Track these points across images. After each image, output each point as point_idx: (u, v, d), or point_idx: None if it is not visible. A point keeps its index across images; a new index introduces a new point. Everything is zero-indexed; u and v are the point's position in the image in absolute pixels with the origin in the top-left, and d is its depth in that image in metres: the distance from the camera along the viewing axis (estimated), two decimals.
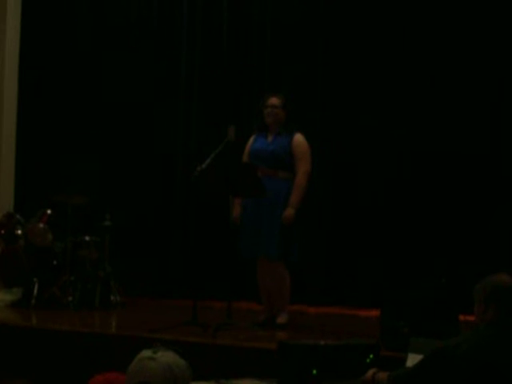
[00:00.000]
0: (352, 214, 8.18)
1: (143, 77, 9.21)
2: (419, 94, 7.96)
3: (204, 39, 8.98)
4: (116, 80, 9.31)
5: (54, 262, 8.08)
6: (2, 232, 8.33)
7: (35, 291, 7.83)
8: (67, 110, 9.52)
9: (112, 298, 7.88)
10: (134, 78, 9.24)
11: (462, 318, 5.38)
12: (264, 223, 6.43)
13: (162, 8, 9.23)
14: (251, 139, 6.75)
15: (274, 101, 6.60)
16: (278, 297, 6.56)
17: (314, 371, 4.57)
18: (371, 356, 4.75)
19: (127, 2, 9.43)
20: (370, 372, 4.15)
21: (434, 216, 7.81)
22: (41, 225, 8.10)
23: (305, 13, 8.46)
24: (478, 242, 7.64)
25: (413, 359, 4.30)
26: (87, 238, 8.07)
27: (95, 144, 9.36)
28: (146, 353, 2.63)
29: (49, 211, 8.19)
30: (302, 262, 6.89)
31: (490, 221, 7.65)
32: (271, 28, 8.64)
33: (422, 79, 7.97)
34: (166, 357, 2.62)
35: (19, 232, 8.23)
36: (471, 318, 3.98)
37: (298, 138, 6.54)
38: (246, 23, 8.80)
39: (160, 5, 9.25)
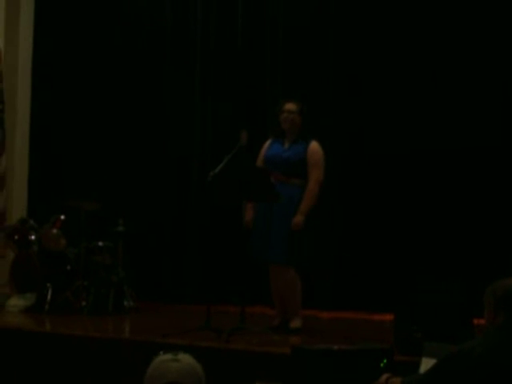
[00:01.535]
0: (364, 217, 8.17)
1: (158, 81, 9.24)
2: (430, 96, 7.95)
3: (218, 43, 8.99)
4: (130, 85, 9.33)
5: (68, 268, 8.11)
6: (16, 237, 8.35)
7: (49, 296, 7.85)
8: (80, 116, 9.55)
9: (125, 303, 7.89)
10: (148, 83, 9.27)
11: (476, 321, 5.36)
12: (275, 228, 6.43)
13: (176, 12, 9.25)
14: (266, 144, 6.74)
15: (290, 106, 6.59)
16: (290, 301, 6.56)
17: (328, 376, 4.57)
18: (385, 361, 4.74)
19: (141, 6, 9.46)
20: (384, 377, 4.13)
21: (448, 218, 7.79)
22: (54, 230, 8.13)
23: (317, 17, 8.47)
24: (492, 245, 7.61)
25: (427, 364, 4.29)
26: (100, 244, 8.09)
27: (109, 149, 9.38)
28: (166, 356, 2.65)
29: (62, 217, 8.22)
30: (315, 267, 6.88)
31: (504, 223, 7.63)
32: (284, 33, 8.65)
33: (433, 81, 7.95)
34: (187, 358, 2.65)
35: (33, 237, 8.26)
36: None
37: (314, 146, 6.54)
38: (259, 28, 8.81)
39: (174, 9, 9.26)
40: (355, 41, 8.30)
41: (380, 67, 8.16)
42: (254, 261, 6.61)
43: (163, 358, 2.66)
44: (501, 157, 7.67)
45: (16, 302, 8.06)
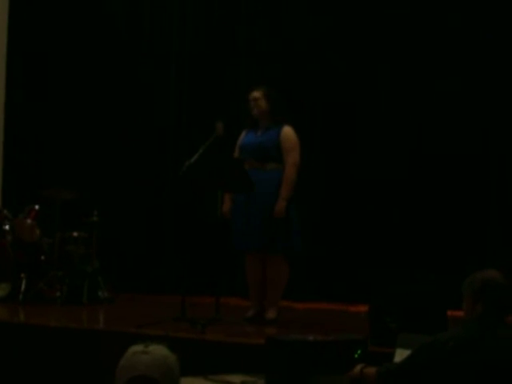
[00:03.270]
0: (341, 208, 8.20)
1: (134, 73, 9.21)
2: (412, 86, 8.01)
3: (194, 36, 8.98)
4: (106, 75, 9.30)
5: (42, 258, 8.07)
6: None
7: (23, 287, 7.80)
8: (55, 105, 9.50)
9: (100, 293, 7.87)
10: (123, 73, 9.23)
11: (449, 313, 5.39)
12: (255, 215, 6.42)
13: (153, 5, 9.22)
14: (242, 135, 6.77)
15: (254, 94, 6.64)
16: (273, 291, 6.56)
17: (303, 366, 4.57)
18: (359, 351, 4.75)
19: None
20: (358, 367, 4.15)
21: (424, 211, 7.84)
22: (28, 220, 8.08)
23: (294, 5, 8.47)
24: (466, 237, 7.67)
25: (401, 354, 4.31)
26: (75, 234, 8.06)
27: (84, 139, 9.34)
28: (138, 347, 2.63)
29: (37, 207, 8.17)
30: (299, 253, 6.92)
31: (479, 215, 7.69)
32: (259, 22, 8.65)
33: (414, 71, 8.00)
34: (159, 350, 2.62)
35: (7, 227, 8.20)
36: (459, 314, 3.99)
37: (287, 130, 6.56)
38: (234, 19, 8.81)
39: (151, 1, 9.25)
40: (335, 28, 8.31)
41: (362, 56, 8.20)
42: (235, 251, 6.62)
43: (136, 349, 2.63)
44: (477, 161, 7.74)
45: None
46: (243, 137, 6.74)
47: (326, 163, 8.27)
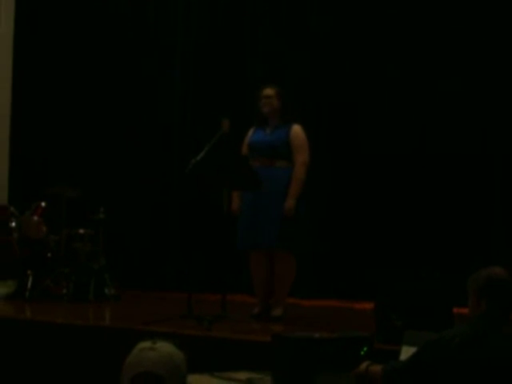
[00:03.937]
0: (346, 206, 8.20)
1: (138, 70, 9.21)
2: (415, 85, 8.00)
3: (199, 33, 8.98)
4: (111, 73, 9.31)
5: (49, 255, 8.09)
6: None
7: (29, 284, 7.82)
8: (62, 103, 9.51)
9: (106, 290, 7.88)
10: (128, 71, 9.24)
11: (455, 310, 5.40)
12: (265, 213, 6.42)
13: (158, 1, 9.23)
14: (250, 132, 6.76)
15: (267, 91, 6.63)
16: (281, 288, 6.56)
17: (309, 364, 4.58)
18: (365, 348, 4.75)
19: None
20: (364, 364, 4.15)
21: (429, 209, 7.83)
22: (35, 217, 8.09)
23: (300, 2, 8.47)
24: (471, 235, 7.66)
25: (407, 352, 4.31)
26: (81, 231, 8.07)
27: (90, 136, 9.35)
28: (145, 344, 2.64)
29: (43, 204, 8.18)
30: (311, 250, 6.90)
31: (483, 214, 7.68)
32: (264, 21, 8.65)
33: (417, 71, 7.99)
34: (166, 347, 2.64)
35: (13, 224, 8.22)
36: (465, 311, 3.99)
37: (296, 129, 6.56)
38: (239, 17, 8.81)
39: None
40: (341, 28, 8.30)
41: (365, 54, 8.18)
42: (239, 249, 6.61)
43: (143, 345, 2.64)
44: (481, 159, 7.74)
45: None
46: (252, 134, 6.72)
47: (332, 161, 8.27)
